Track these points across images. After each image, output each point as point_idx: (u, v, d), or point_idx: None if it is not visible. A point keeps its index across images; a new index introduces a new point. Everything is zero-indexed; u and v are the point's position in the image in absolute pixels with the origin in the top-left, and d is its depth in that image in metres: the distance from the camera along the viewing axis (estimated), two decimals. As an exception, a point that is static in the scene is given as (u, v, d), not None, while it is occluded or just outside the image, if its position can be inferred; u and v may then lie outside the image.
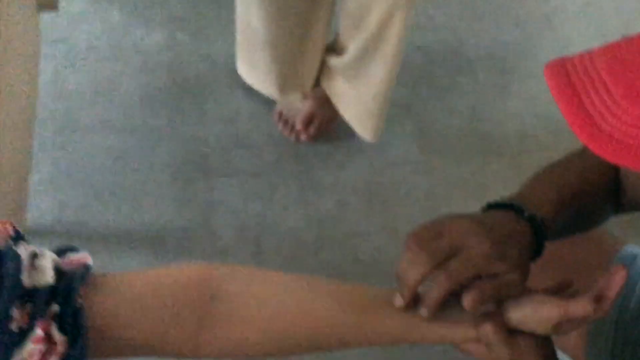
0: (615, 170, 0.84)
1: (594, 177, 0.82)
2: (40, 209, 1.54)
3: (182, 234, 1.54)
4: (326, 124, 1.73)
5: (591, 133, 0.59)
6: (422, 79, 1.91)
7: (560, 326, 0.67)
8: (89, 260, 0.63)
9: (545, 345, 0.69)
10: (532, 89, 1.93)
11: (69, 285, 0.59)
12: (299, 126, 1.71)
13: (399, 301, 0.67)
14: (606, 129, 0.58)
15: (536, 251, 0.72)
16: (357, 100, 1.61)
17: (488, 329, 0.66)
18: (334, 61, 1.62)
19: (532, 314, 0.67)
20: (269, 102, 1.75)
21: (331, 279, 0.71)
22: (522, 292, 0.68)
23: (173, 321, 0.63)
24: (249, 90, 1.75)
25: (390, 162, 1.73)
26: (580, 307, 0.65)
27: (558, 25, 2.07)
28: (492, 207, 0.74)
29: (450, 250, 0.65)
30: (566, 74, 0.65)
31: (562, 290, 0.71)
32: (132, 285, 0.64)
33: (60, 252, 0.64)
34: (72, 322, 0.58)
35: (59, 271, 0.60)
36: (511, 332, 0.68)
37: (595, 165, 0.83)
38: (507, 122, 1.85)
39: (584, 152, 0.84)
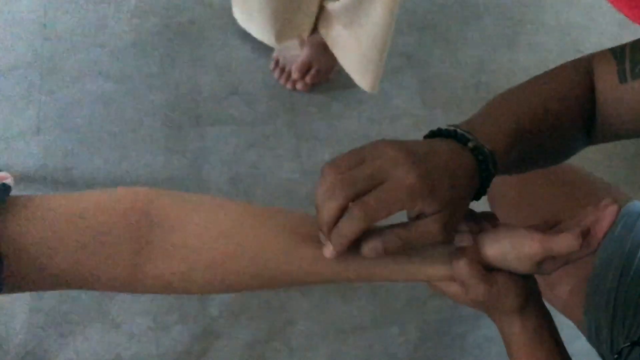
0: (589, 90, 0.74)
1: (562, 100, 0.72)
2: (25, 154, 1.49)
3: (172, 184, 1.48)
4: (324, 73, 1.67)
5: None
6: (427, 28, 1.83)
7: (542, 264, 0.61)
8: (9, 180, 0.55)
9: (526, 285, 0.63)
10: (541, 40, 1.86)
11: None
12: (295, 74, 1.64)
13: (328, 252, 0.58)
14: None
15: (481, 188, 0.63)
16: (355, 47, 1.53)
17: (462, 266, 0.60)
18: (331, 6, 1.54)
19: (512, 249, 0.61)
20: (265, 49, 1.68)
21: (286, 209, 0.65)
22: (449, 239, 0.60)
23: (107, 250, 0.56)
24: (245, 36, 1.68)
25: (390, 115, 1.67)
26: (565, 242, 0.59)
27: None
28: (434, 134, 0.65)
29: (370, 180, 0.56)
30: None
31: (546, 229, 0.63)
32: (59, 209, 0.55)
33: None
34: None
35: None
36: (488, 270, 0.61)
37: (566, 85, 0.74)
38: (515, 76, 1.78)
39: (553, 73, 0.76)
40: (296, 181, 1.52)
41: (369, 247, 0.57)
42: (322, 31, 1.61)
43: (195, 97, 1.61)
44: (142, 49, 1.66)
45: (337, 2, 1.52)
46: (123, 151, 1.51)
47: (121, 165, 1.50)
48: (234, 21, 1.67)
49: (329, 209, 0.56)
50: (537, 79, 0.75)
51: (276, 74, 1.67)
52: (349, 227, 0.56)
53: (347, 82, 1.63)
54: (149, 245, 0.57)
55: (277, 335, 1.34)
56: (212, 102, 1.61)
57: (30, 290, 0.56)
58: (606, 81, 0.73)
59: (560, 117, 0.71)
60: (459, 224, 0.62)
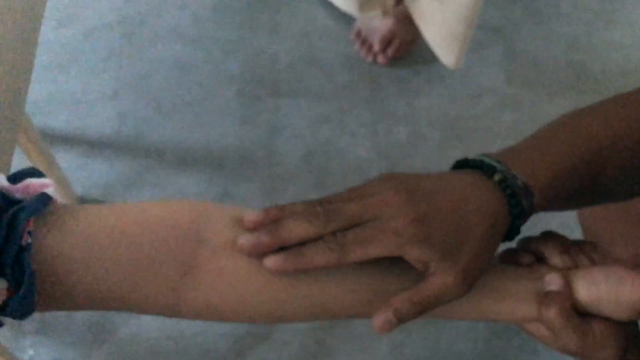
0: None
1: (635, 130, 0.61)
2: (102, 118, 1.50)
3: (243, 156, 1.47)
4: (406, 46, 1.61)
5: None
6: (517, 1, 1.74)
7: None
8: (50, 188, 0.50)
9: (626, 334, 0.56)
10: (642, 19, 1.75)
11: (13, 217, 0.47)
12: (377, 46, 1.59)
13: (271, 263, 0.51)
14: None
15: (512, 226, 0.56)
16: (441, 20, 1.47)
17: (551, 315, 0.53)
18: None
19: (610, 293, 0.54)
20: (347, 19, 1.63)
21: None
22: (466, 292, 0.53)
23: (150, 270, 0.51)
24: (327, 4, 1.64)
25: (473, 93, 1.60)
26: None
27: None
28: (461, 165, 0.58)
29: (358, 217, 0.51)
30: None
31: None
32: (100, 223, 0.51)
33: (20, 176, 0.51)
34: (15, 264, 0.47)
35: (7, 200, 0.49)
36: (583, 316, 0.55)
37: None
38: (610, 55, 1.68)
39: (632, 96, 0.64)
40: (371, 160, 1.49)
41: (380, 322, 0.52)
42: (408, 2, 1.55)
43: (273, 66, 1.58)
44: (222, 14, 1.64)
45: None
46: (196, 119, 1.51)
47: (194, 134, 1.49)
48: (316, -13, 1.63)
49: (298, 228, 0.51)
50: (613, 100, 0.65)
51: (357, 45, 1.63)
52: (314, 254, 0.50)
53: (429, 57, 1.57)
54: (196, 268, 0.52)
55: (339, 323, 1.33)
56: (289, 72, 1.57)
57: (66, 309, 0.52)
58: None
59: (630, 151, 0.61)
60: (482, 272, 0.55)
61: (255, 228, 0.52)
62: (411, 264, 0.52)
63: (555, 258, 0.58)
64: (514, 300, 0.56)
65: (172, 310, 0.53)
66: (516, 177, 0.55)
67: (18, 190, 0.49)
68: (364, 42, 1.62)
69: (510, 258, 0.60)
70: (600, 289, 0.55)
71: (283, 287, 0.54)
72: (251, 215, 0.53)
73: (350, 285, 0.54)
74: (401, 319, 0.51)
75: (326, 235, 0.51)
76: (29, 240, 0.47)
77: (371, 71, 1.60)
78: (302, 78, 1.57)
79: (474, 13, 1.40)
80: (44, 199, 0.49)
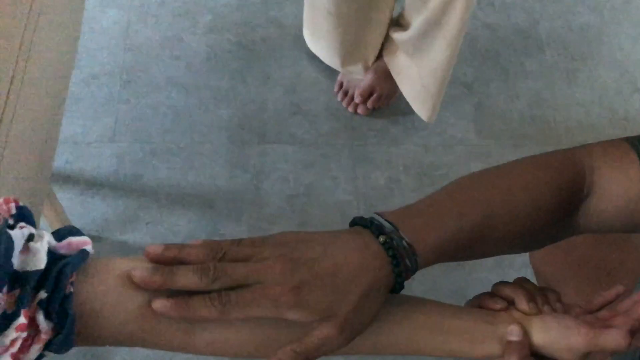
0: (573, 183, 0.70)
1: (528, 191, 0.68)
2: (100, 159, 1.60)
3: (232, 198, 1.58)
4: (385, 99, 1.74)
5: None
6: (487, 59, 1.88)
7: (589, 356, 0.63)
8: (88, 246, 0.60)
9: None
10: (601, 77, 1.89)
11: (60, 271, 0.56)
12: (358, 98, 1.72)
13: (160, 304, 0.56)
14: None
15: (397, 282, 0.61)
16: (416, 77, 1.60)
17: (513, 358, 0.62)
18: (397, 35, 1.61)
19: (559, 340, 0.63)
20: (330, 72, 1.76)
21: None
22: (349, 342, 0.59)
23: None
24: (313, 58, 1.76)
25: (445, 143, 1.73)
26: (613, 340, 0.60)
27: (636, 13, 2.00)
28: (355, 223, 0.63)
29: (243, 279, 0.56)
30: None
31: (598, 308, 0.66)
32: (123, 275, 0.59)
33: (62, 234, 0.60)
34: (59, 309, 0.56)
35: (54, 255, 0.58)
36: (538, 357, 0.64)
37: (543, 173, 0.70)
38: (571, 111, 1.82)
39: (541, 158, 0.73)
40: (350, 203, 1.60)
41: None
42: (386, 58, 1.68)
43: (261, 114, 1.70)
44: (214, 64, 1.76)
45: (403, 33, 1.59)
46: (189, 162, 1.62)
47: (187, 176, 1.60)
48: (303, 42, 1.76)
49: (188, 280, 0.56)
50: (522, 159, 0.73)
51: (339, 96, 1.75)
52: (199, 307, 0.56)
53: (406, 109, 1.70)
54: None
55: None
56: (277, 120, 1.69)
57: (97, 345, 0.60)
58: (621, 172, 0.71)
59: (524, 209, 0.68)
60: (364, 324, 0.60)
61: (152, 260, 0.59)
62: None
63: (523, 304, 0.66)
64: (479, 341, 0.65)
65: (183, 348, 0.61)
66: (402, 238, 0.59)
67: (62, 247, 0.59)
68: (346, 94, 1.75)
69: (485, 301, 0.68)
70: (552, 335, 0.64)
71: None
72: (152, 247, 0.59)
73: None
74: None
75: (213, 292, 0.56)
76: (71, 290, 0.56)
77: (352, 121, 1.72)
78: (288, 126, 1.69)
79: (447, 72, 1.53)
80: (84, 255, 0.58)
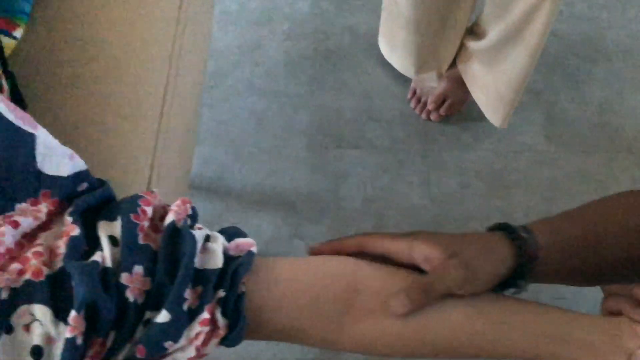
0: None
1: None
2: (186, 161, 1.68)
3: (311, 200, 1.65)
4: (457, 106, 1.79)
5: None
6: (556, 67, 1.92)
7: None
8: (254, 247, 0.66)
9: None
10: (669, 86, 1.92)
11: (235, 272, 0.62)
12: (430, 105, 1.77)
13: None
14: None
15: (519, 269, 0.69)
16: (491, 85, 1.63)
17: None
18: (472, 44, 1.64)
19: None
20: (403, 79, 1.81)
21: None
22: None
23: (320, 311, 0.65)
24: (386, 65, 1.82)
25: (515, 149, 1.78)
26: None
27: None
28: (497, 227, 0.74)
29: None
30: None
31: None
32: (285, 274, 0.66)
33: (230, 235, 0.67)
34: (233, 307, 0.62)
35: (226, 255, 0.63)
36: None
37: None
38: (639, 119, 1.86)
39: None
40: (424, 207, 1.66)
41: (395, 304, 0.65)
42: (460, 66, 1.72)
43: (338, 120, 1.77)
44: (292, 70, 1.83)
45: (478, 42, 1.61)
46: (270, 166, 1.69)
47: (268, 179, 1.67)
48: (376, 50, 1.82)
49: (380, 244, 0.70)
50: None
51: (412, 103, 1.81)
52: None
53: (476, 115, 1.75)
54: (353, 309, 0.66)
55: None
56: (353, 125, 1.76)
57: (259, 339, 0.68)
58: None
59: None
60: (484, 273, 0.68)
61: (314, 254, 0.71)
62: None
63: None
64: (602, 353, 0.67)
65: (333, 344, 0.68)
66: (525, 228, 0.70)
67: (231, 248, 0.66)
68: (419, 101, 1.80)
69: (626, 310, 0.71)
70: None
71: (413, 330, 0.68)
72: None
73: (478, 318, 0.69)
74: (412, 301, 0.65)
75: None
76: (243, 289, 0.64)
77: (425, 127, 1.78)
78: (364, 131, 1.76)
79: (524, 81, 1.56)
80: (252, 257, 0.65)
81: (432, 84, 1.78)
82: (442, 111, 1.77)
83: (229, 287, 0.62)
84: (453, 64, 1.74)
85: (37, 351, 0.54)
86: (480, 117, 1.73)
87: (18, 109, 0.61)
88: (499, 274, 0.69)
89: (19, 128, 0.60)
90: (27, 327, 0.55)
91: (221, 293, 0.62)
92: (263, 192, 1.66)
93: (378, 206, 1.66)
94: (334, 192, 1.66)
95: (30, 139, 0.60)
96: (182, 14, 0.89)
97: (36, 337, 0.54)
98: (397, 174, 1.70)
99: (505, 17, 1.47)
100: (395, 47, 1.75)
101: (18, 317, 0.55)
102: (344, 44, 1.89)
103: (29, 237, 0.60)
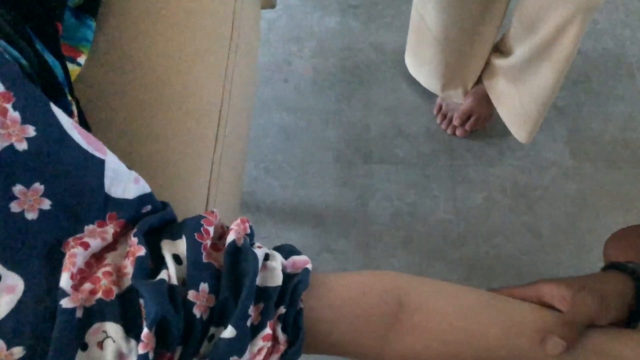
0: None
1: None
2: (217, 176, 1.72)
3: (340, 215, 1.68)
4: (482, 121, 1.82)
5: None
6: (579, 83, 1.95)
7: None
8: (309, 265, 0.69)
9: None
10: (692, 102, 1.94)
11: (295, 289, 0.65)
12: (456, 121, 1.80)
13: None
14: None
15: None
16: (517, 101, 1.66)
17: None
18: (498, 61, 1.66)
19: None
20: (429, 95, 1.85)
21: (505, 298, 0.75)
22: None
23: (370, 325, 0.68)
24: (412, 82, 1.85)
25: (540, 164, 1.80)
26: None
27: None
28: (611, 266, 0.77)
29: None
30: None
31: None
32: (334, 291, 0.69)
33: (286, 252, 0.70)
34: (293, 323, 0.65)
35: (283, 273, 0.66)
36: None
37: None
38: (662, 135, 1.88)
39: None
40: (451, 222, 1.69)
41: (552, 346, 0.68)
42: (486, 82, 1.75)
43: (365, 135, 1.80)
44: (320, 87, 1.87)
45: (504, 59, 1.63)
46: (300, 180, 1.73)
47: (298, 193, 1.71)
48: (402, 67, 1.85)
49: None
50: None
51: (438, 119, 1.84)
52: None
53: (501, 130, 1.78)
54: (398, 324, 0.68)
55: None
56: (380, 141, 1.80)
57: (314, 353, 0.71)
58: None
59: None
60: (610, 308, 0.72)
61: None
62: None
63: None
64: None
65: (377, 355, 0.70)
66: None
67: (288, 266, 0.69)
68: (444, 116, 1.84)
69: None
70: None
71: (460, 343, 0.70)
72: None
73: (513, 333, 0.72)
74: (564, 338, 0.68)
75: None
76: (301, 305, 0.67)
77: (451, 142, 1.82)
78: (391, 147, 1.79)
79: (551, 97, 1.57)
80: (309, 275, 0.68)
81: (458, 100, 1.81)
82: (467, 127, 1.81)
83: (288, 303, 0.65)
84: (479, 80, 1.77)
85: None
86: (505, 132, 1.76)
87: (90, 135, 0.64)
88: (627, 302, 0.72)
89: (90, 154, 0.63)
90: (100, 344, 0.58)
91: (282, 309, 0.65)
92: (293, 206, 1.69)
93: (406, 221, 1.69)
94: (362, 206, 1.70)
95: (100, 164, 0.64)
96: (234, 35, 0.93)
97: (109, 353, 0.58)
98: (423, 189, 1.73)
99: (533, 35, 1.49)
100: (422, 65, 1.78)
101: (92, 335, 0.58)
102: (371, 61, 1.93)
103: (97, 258, 0.63)
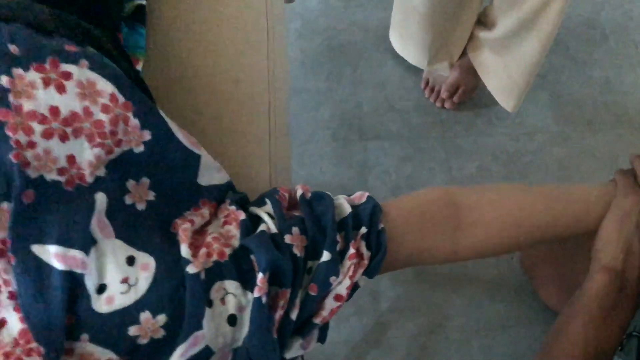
0: None
1: None
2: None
3: (341, 192, 1.69)
4: (469, 93, 1.86)
5: None
6: (557, 50, 2.00)
7: None
8: (367, 194, 0.83)
9: None
10: (664, 62, 2.02)
11: (373, 212, 0.78)
12: (444, 94, 1.84)
13: None
14: None
15: None
16: (503, 72, 1.69)
17: None
18: (483, 34, 1.69)
19: None
20: (415, 69, 1.89)
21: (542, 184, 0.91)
22: None
23: (435, 230, 0.81)
24: (397, 57, 1.89)
25: (527, 131, 1.86)
26: None
27: (694, 0, 2.13)
28: None
29: None
30: None
31: None
32: (399, 209, 0.82)
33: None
34: (375, 241, 0.77)
35: (350, 204, 0.79)
36: None
37: None
38: (639, 96, 1.95)
39: None
40: (448, 192, 1.74)
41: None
42: (471, 54, 1.78)
43: (358, 112, 1.84)
44: (310, 67, 1.89)
45: (488, 32, 1.66)
46: (300, 160, 1.75)
47: (299, 172, 1.74)
48: (386, 43, 1.89)
49: None
50: None
51: (426, 92, 1.88)
52: None
53: (488, 100, 1.83)
54: (460, 223, 0.82)
55: (436, 329, 1.58)
56: (373, 117, 1.83)
57: (391, 270, 0.82)
58: None
59: None
60: None
61: None
62: None
63: None
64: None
65: (453, 255, 0.83)
66: None
67: (356, 198, 0.82)
68: (432, 90, 1.88)
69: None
70: None
71: (512, 225, 0.85)
72: None
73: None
74: None
75: None
76: (382, 225, 0.78)
77: (440, 115, 1.86)
78: (384, 122, 1.83)
79: (537, 66, 1.61)
80: (375, 200, 0.81)
81: (444, 73, 1.85)
82: (455, 99, 1.85)
83: (368, 224, 0.77)
84: (463, 52, 1.81)
85: (232, 319, 0.67)
86: (492, 102, 1.81)
87: (187, 134, 0.73)
88: None
89: (190, 150, 0.72)
90: (222, 300, 0.67)
91: (363, 230, 0.76)
92: (295, 183, 1.71)
93: (405, 193, 1.73)
94: (362, 182, 1.73)
95: (197, 159, 0.73)
96: (269, 31, 0.97)
97: (231, 307, 0.67)
98: (419, 162, 1.78)
99: (517, 8, 1.52)
100: (407, 41, 1.81)
101: (215, 292, 0.66)
102: (355, 39, 1.96)
103: (199, 232, 0.72)
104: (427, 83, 1.89)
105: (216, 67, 0.92)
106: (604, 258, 0.88)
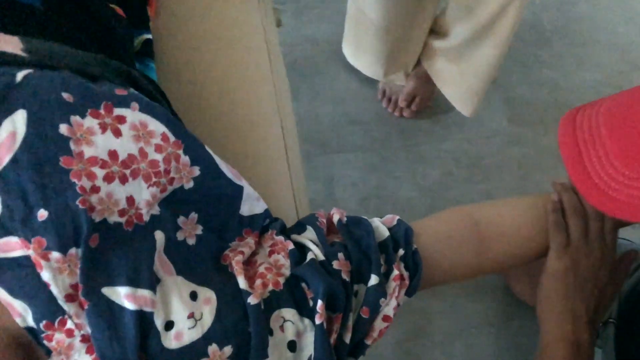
0: None
1: None
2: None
3: (310, 207, 1.70)
4: (426, 100, 1.88)
5: (588, 186, 0.75)
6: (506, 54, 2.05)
7: None
8: (398, 217, 0.84)
9: None
10: (605, 59, 2.08)
11: (406, 234, 0.80)
12: (402, 103, 1.85)
13: None
14: (600, 185, 0.74)
15: None
16: (460, 79, 1.71)
17: None
18: (436, 43, 1.71)
19: None
20: (370, 80, 1.90)
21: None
22: None
23: (461, 249, 0.83)
24: (351, 70, 1.89)
25: (484, 134, 1.89)
26: None
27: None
28: None
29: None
30: (573, 128, 0.85)
31: None
32: (427, 231, 0.83)
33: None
34: (411, 261, 0.79)
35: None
36: None
37: None
38: (586, 93, 2.00)
39: None
40: (417, 199, 1.75)
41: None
42: (425, 63, 1.80)
43: (319, 127, 1.83)
44: (265, 86, 1.88)
45: (442, 41, 1.69)
46: (265, 179, 1.74)
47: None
48: (340, 56, 1.89)
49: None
50: None
51: (384, 103, 1.89)
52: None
53: (445, 106, 1.86)
54: (483, 239, 0.85)
55: (420, 333, 1.57)
56: (334, 131, 1.83)
57: (428, 287, 0.84)
58: None
59: None
60: None
61: None
62: None
63: None
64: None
65: (480, 270, 0.86)
66: None
67: (387, 221, 0.83)
68: (390, 100, 1.89)
69: None
70: None
71: (524, 237, 0.89)
72: None
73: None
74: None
75: None
76: (415, 246, 0.80)
77: (400, 124, 1.87)
78: (345, 135, 1.83)
79: (494, 72, 1.65)
80: (405, 223, 0.82)
81: (400, 82, 1.86)
82: (413, 107, 1.86)
83: (404, 246, 0.78)
84: (418, 62, 1.83)
85: (292, 345, 0.68)
86: (449, 108, 1.84)
87: (230, 166, 0.74)
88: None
89: (235, 183, 0.74)
90: (281, 328, 0.69)
91: (401, 252, 0.79)
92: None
93: (374, 204, 1.73)
94: (330, 195, 1.73)
95: (240, 190, 0.75)
96: (270, 49, 1.00)
97: (290, 334, 0.68)
98: (384, 172, 1.78)
99: (472, 16, 1.54)
100: (362, 53, 1.82)
101: (274, 321, 0.68)
102: (308, 54, 1.95)
103: (249, 262, 0.74)
104: (384, 93, 1.90)
105: (222, 96, 0.95)
106: (554, 330, 0.89)
